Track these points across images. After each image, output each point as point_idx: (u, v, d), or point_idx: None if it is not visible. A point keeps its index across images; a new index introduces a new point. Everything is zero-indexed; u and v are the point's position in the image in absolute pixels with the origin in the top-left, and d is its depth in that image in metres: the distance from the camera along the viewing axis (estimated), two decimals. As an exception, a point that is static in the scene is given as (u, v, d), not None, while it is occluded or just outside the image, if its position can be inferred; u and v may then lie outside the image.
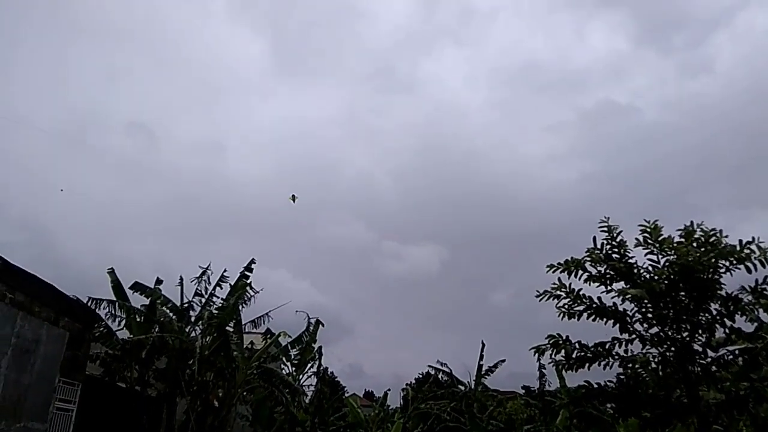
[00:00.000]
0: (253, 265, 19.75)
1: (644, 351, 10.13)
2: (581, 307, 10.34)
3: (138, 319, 18.06)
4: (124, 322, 18.04)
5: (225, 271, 19.80)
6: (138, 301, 18.76)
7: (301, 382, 24.84)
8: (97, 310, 16.99)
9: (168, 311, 19.20)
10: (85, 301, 16.34)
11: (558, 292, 10.37)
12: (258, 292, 19.81)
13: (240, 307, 19.64)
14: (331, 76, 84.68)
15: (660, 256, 10.02)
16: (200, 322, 19.20)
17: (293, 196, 19.40)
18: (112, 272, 18.45)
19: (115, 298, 18.08)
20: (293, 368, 24.40)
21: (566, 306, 10.41)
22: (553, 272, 10.42)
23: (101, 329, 17.20)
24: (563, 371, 11.52)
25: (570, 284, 10.40)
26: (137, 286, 18.76)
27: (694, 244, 9.62)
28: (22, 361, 11.83)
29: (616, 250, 10.31)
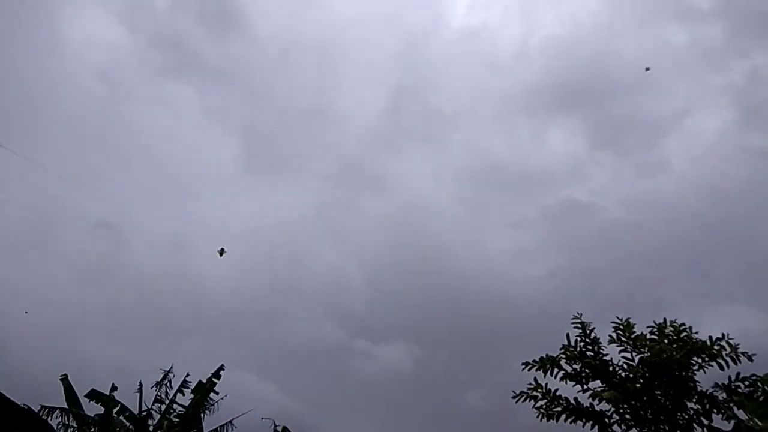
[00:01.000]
0: (221, 372, 18.91)
1: (625, 453, 9.86)
2: (558, 409, 10.16)
3: (92, 431, 16.87)
4: (76, 433, 16.83)
5: (188, 375, 18.92)
6: (93, 410, 17.62)
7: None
8: (49, 419, 15.88)
9: (125, 421, 18.01)
10: (36, 410, 15.31)
11: (534, 393, 10.21)
12: (222, 398, 18.87)
13: (202, 415, 18.57)
14: (301, 173, 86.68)
15: (633, 354, 10.05)
16: (159, 431, 18.03)
17: (221, 249, 19.21)
18: (65, 378, 17.45)
19: (67, 407, 16.97)
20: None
21: (544, 407, 10.21)
22: (529, 370, 10.32)
23: (53, 442, 15.97)
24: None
25: (546, 384, 10.28)
26: (94, 394, 17.63)
27: (666, 341, 9.72)
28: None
29: (590, 347, 10.32)
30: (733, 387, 9.46)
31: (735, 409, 9.43)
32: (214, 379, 18.71)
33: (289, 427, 22.47)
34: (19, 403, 13.18)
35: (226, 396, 19.00)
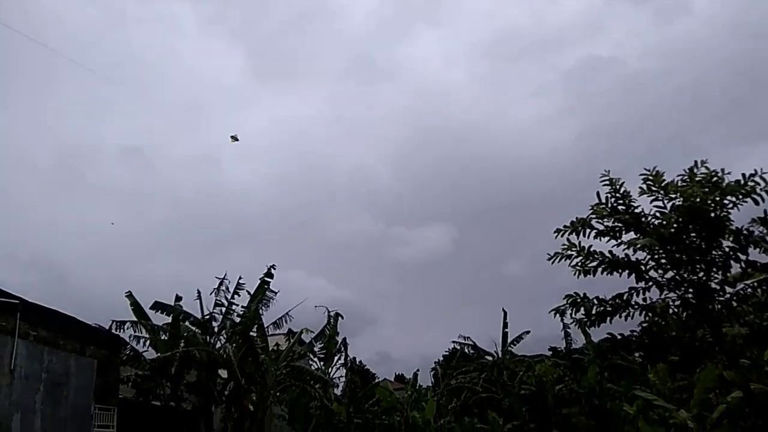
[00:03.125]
0: (273, 270, 19.84)
1: (663, 297, 10.15)
2: (594, 263, 10.37)
3: (162, 337, 18.28)
4: (148, 342, 18.27)
5: (240, 278, 19.98)
6: (159, 320, 18.98)
7: (331, 375, 25.10)
8: (120, 333, 17.23)
9: (190, 325, 19.41)
10: (108, 327, 16.56)
11: (569, 252, 10.39)
12: (276, 293, 19.98)
13: (260, 312, 19.82)
14: (311, 75, 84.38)
15: (666, 201, 10.01)
16: (223, 331, 19.41)
17: (234, 136, 19.05)
18: (130, 295, 18.64)
19: (136, 319, 18.30)
20: (321, 363, 24.66)
21: (579, 264, 10.43)
22: (561, 236, 10.44)
23: (128, 352, 17.45)
24: (586, 328, 11.59)
25: (580, 243, 10.41)
26: (157, 306, 18.93)
27: (698, 185, 9.61)
28: (56, 395, 12.05)
29: (621, 201, 10.31)
30: (770, 219, 9.42)
31: (772, 240, 9.48)
32: (266, 278, 19.70)
33: (340, 312, 23.87)
34: (90, 322, 14.25)
35: (279, 291, 20.14)
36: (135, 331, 18.17)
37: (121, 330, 17.51)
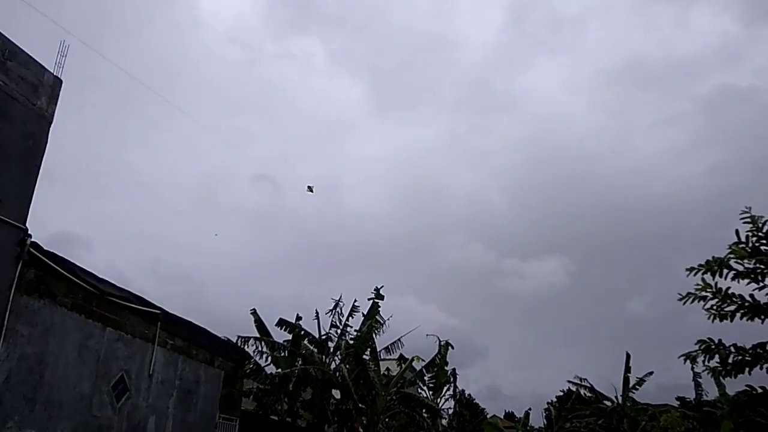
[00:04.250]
0: (381, 291, 20.32)
1: (813, 349, 9.14)
2: (732, 307, 9.55)
3: (282, 354, 19.22)
4: (270, 357, 19.28)
5: (355, 301, 20.62)
6: (280, 336, 20.00)
7: (440, 405, 24.91)
8: (245, 347, 18.34)
9: (308, 344, 20.25)
10: (234, 341, 17.71)
11: (703, 293, 9.68)
12: (388, 319, 20.36)
13: (373, 335, 20.26)
14: (430, 105, 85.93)
15: (818, 243, 9.07)
16: (338, 352, 20.05)
17: (310, 187, 19.84)
18: (254, 312, 19.86)
19: (259, 335, 19.41)
20: (430, 392, 24.58)
21: (715, 307, 9.67)
22: (694, 275, 9.75)
23: (251, 366, 18.51)
24: (721, 378, 10.67)
25: (716, 284, 9.67)
26: (282, 323, 19.99)
27: None
28: (186, 401, 13.05)
29: (763, 241, 9.48)
30: None
31: None
32: (376, 300, 20.15)
33: (451, 342, 23.73)
34: (219, 335, 15.35)
35: (391, 317, 20.53)
36: (258, 347, 19.28)
37: (246, 345, 18.66)
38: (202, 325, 14.22)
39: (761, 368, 9.27)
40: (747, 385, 9.70)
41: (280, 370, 18.58)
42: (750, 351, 9.42)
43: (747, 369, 9.42)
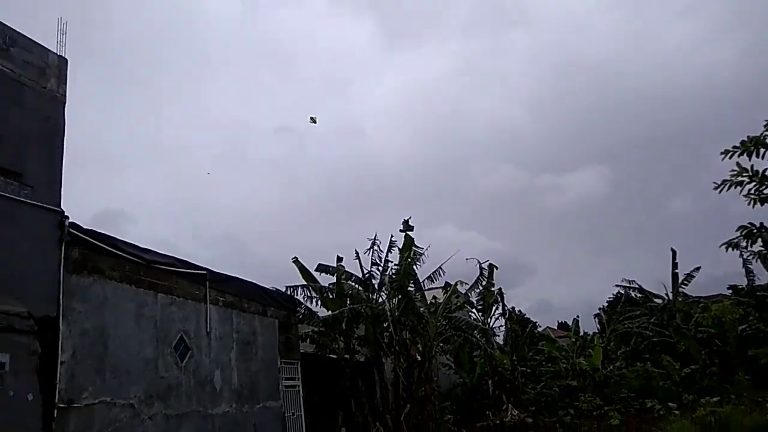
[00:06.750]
0: (410, 222, 20.46)
1: None
2: (772, 189, 9.27)
3: (330, 296, 19.78)
4: (319, 301, 19.89)
5: (392, 237, 20.81)
6: (325, 281, 20.52)
7: (491, 325, 25.45)
8: (295, 295, 18.94)
9: (353, 284, 20.75)
10: (284, 290, 18.30)
11: (740, 178, 9.37)
12: (426, 248, 20.57)
13: (414, 267, 20.57)
14: (440, 31, 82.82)
15: None
16: (383, 287, 20.50)
17: (313, 118, 19.37)
18: (296, 261, 20.31)
19: (305, 283, 19.96)
20: (479, 313, 25.09)
21: (754, 191, 9.38)
22: (729, 158, 9.39)
23: (303, 312, 19.16)
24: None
25: (752, 166, 9.33)
26: (321, 267, 20.48)
27: None
28: (246, 352, 13.70)
29: (802, 116, 9.04)
30: None
31: None
32: (407, 232, 20.31)
33: (494, 263, 23.94)
34: (268, 287, 15.89)
35: (429, 247, 20.72)
36: (307, 293, 19.86)
37: (295, 293, 19.25)
38: (250, 280, 14.70)
39: (806, 246, 9.09)
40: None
41: (330, 312, 19.15)
42: (792, 230, 9.21)
43: (791, 249, 9.24)
